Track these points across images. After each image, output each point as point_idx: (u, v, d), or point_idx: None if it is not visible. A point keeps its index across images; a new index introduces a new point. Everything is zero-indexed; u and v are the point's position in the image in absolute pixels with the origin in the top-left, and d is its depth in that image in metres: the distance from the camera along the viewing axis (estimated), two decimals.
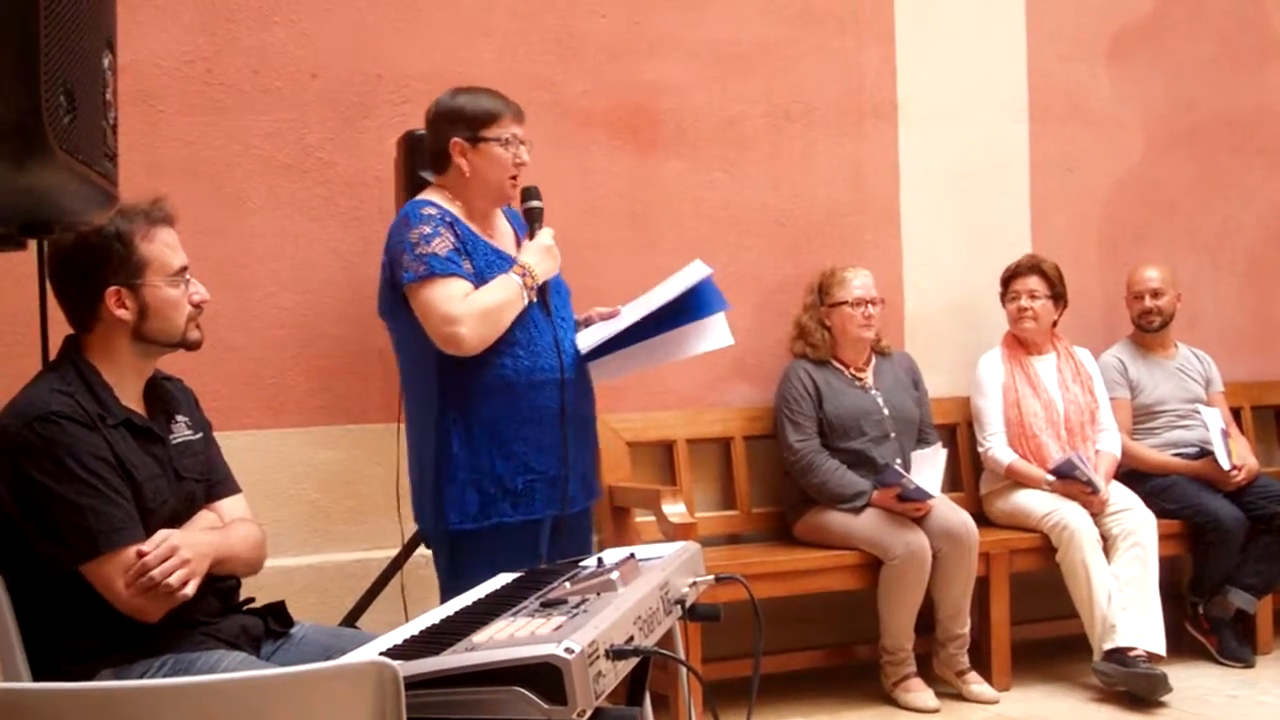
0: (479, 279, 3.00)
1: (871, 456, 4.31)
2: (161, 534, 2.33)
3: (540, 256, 3.06)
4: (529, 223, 3.16)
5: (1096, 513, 4.44)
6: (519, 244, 3.19)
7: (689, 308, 3.16)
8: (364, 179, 4.03)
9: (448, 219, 3.02)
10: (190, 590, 2.31)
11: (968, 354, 4.85)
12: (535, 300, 3.05)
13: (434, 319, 2.93)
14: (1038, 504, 4.50)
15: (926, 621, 4.27)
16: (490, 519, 2.96)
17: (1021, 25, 5.10)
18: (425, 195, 3.13)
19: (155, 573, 2.26)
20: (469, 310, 2.92)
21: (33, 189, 1.59)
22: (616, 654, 1.68)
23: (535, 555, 2.98)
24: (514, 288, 2.98)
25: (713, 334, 3.22)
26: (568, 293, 3.26)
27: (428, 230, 2.97)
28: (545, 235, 3.12)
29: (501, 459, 2.97)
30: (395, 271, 3.01)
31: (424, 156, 3.35)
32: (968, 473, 4.88)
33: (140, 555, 2.26)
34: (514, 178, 3.12)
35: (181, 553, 2.30)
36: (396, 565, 3.70)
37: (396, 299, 3.04)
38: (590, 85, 4.41)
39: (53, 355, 2.56)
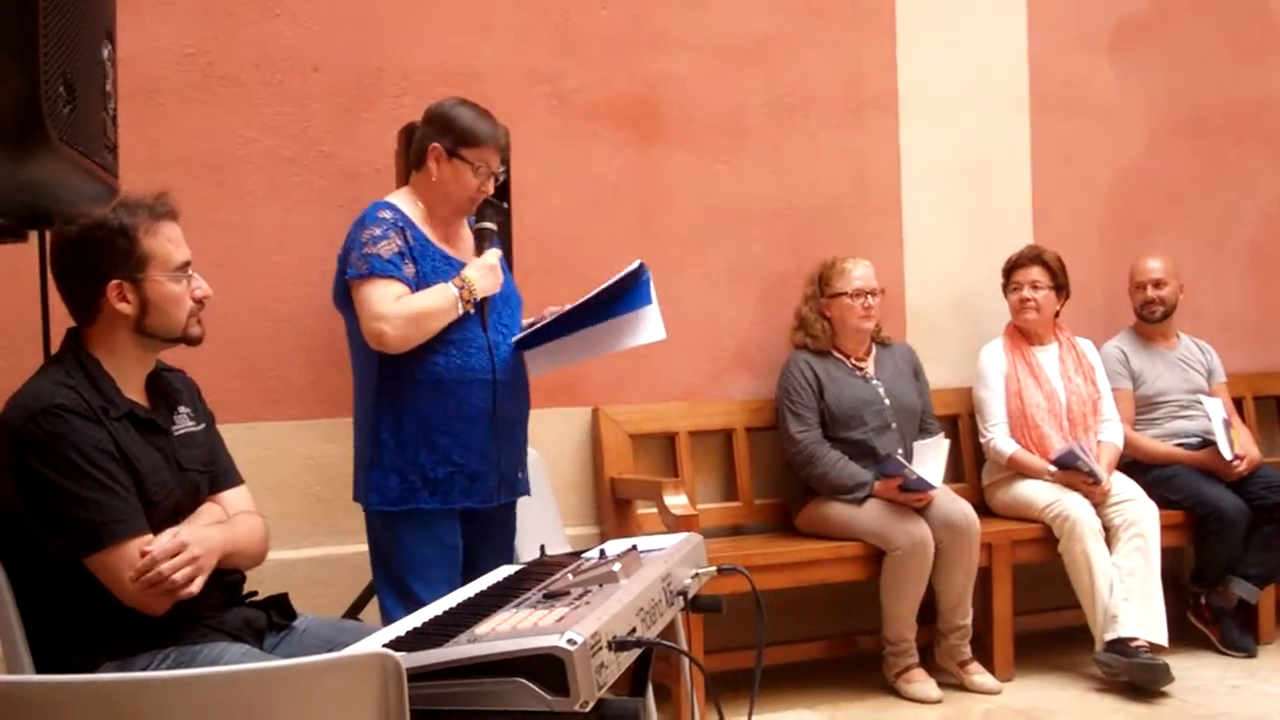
0: (424, 282, 3.14)
1: (873, 447, 4.31)
2: (171, 531, 2.34)
3: (482, 273, 3.20)
4: (477, 241, 3.30)
5: (1098, 503, 4.44)
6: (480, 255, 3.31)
7: (620, 301, 3.27)
8: (365, 171, 4.03)
9: (400, 224, 3.17)
10: (196, 587, 2.30)
11: (969, 345, 4.85)
12: (474, 313, 3.17)
13: (365, 315, 3.10)
14: (1040, 494, 4.50)
15: (928, 612, 4.27)
16: (408, 504, 3.13)
17: (1023, 16, 5.09)
18: (390, 197, 3.27)
19: (164, 568, 2.26)
20: (397, 311, 3.08)
21: (32, 181, 1.59)
22: (619, 645, 1.69)
23: (448, 542, 3.17)
24: (448, 297, 3.12)
25: (646, 328, 3.30)
26: (519, 302, 3.40)
27: (377, 233, 3.13)
28: (491, 255, 3.25)
29: (426, 450, 3.13)
30: (344, 267, 3.19)
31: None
32: (969, 463, 4.89)
33: (148, 552, 2.26)
34: (474, 199, 3.26)
35: (191, 549, 2.30)
36: None
37: (346, 292, 3.20)
38: (592, 78, 4.40)
39: (54, 348, 2.56)
